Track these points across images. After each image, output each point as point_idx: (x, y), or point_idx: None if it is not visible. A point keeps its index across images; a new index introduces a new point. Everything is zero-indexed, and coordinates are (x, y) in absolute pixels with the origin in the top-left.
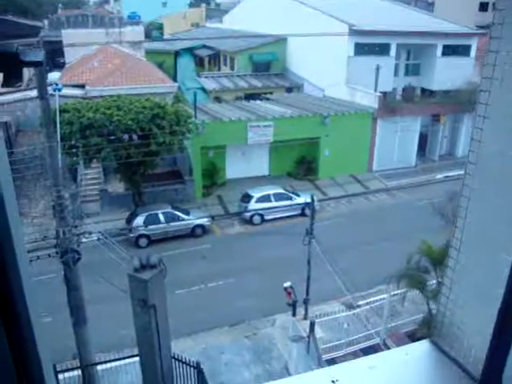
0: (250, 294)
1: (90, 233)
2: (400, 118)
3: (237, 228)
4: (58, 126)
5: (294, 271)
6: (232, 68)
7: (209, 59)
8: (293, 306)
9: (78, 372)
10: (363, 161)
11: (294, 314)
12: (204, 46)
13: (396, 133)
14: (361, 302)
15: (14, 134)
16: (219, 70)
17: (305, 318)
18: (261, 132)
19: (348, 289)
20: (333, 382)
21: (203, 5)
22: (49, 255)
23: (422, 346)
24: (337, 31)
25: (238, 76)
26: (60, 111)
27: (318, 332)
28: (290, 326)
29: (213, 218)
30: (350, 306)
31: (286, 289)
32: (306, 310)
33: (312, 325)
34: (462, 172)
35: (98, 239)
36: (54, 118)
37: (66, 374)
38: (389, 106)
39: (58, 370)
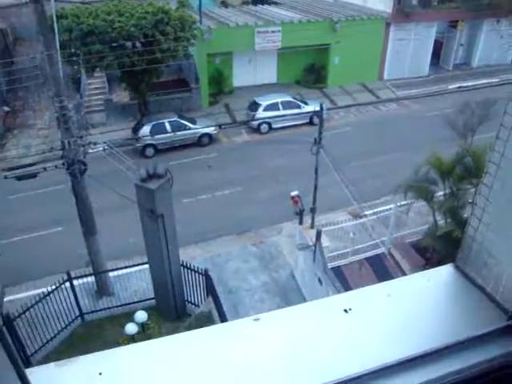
0: (257, 202)
1: (96, 143)
2: (415, 24)
3: (244, 137)
4: (57, 33)
5: (302, 180)
6: None
7: None
8: (300, 214)
9: (91, 278)
10: (374, 69)
11: (300, 223)
12: None
13: (409, 40)
14: (367, 212)
15: (12, 43)
16: None
17: (311, 226)
18: (269, 38)
19: (355, 198)
20: (345, 310)
21: None
22: (56, 167)
23: (446, 272)
24: None
25: None
26: (57, 17)
27: (325, 241)
28: (297, 234)
29: (220, 126)
30: (356, 216)
31: (293, 197)
32: (313, 218)
33: (318, 233)
34: (476, 83)
35: (104, 150)
36: (52, 24)
37: (81, 281)
38: (403, 10)
39: (73, 276)
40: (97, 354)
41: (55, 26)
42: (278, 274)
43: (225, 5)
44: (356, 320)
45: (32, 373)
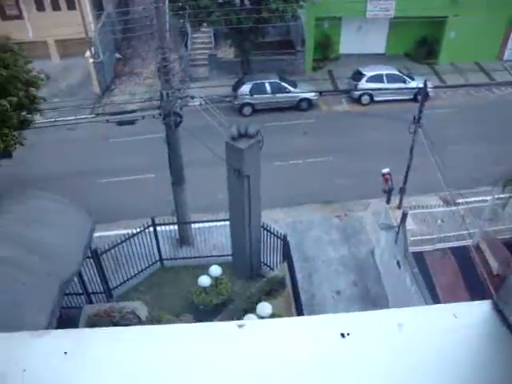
0: (346, 174)
1: (193, 97)
2: None
3: (344, 106)
4: None
5: (395, 158)
6: None
7: None
8: (388, 193)
9: (174, 227)
10: (494, 47)
11: (388, 202)
12: None
13: None
14: (460, 200)
15: None
16: None
17: (398, 207)
18: (381, 5)
19: (448, 184)
20: (342, 335)
21: None
22: (153, 116)
23: (481, 309)
24: None
25: None
26: None
27: (410, 223)
28: (383, 213)
29: (320, 93)
30: (447, 202)
31: (383, 174)
32: (401, 199)
33: (404, 215)
34: None
35: (200, 104)
36: None
37: (164, 227)
38: None
39: (157, 222)
40: (71, 330)
41: None
42: (358, 250)
43: None
44: (353, 348)
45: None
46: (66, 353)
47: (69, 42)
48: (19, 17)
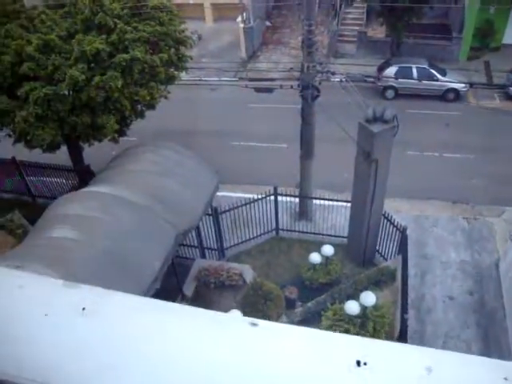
0: (484, 175)
1: (334, 73)
2: None
3: (496, 102)
4: None
5: None
6: None
7: None
8: None
9: (295, 200)
10: None
11: None
12: None
13: None
14: None
15: None
16: None
17: None
18: None
19: None
20: (358, 362)
21: None
22: (291, 87)
23: None
24: None
25: None
26: None
27: None
28: None
29: (471, 84)
30: None
31: None
32: None
33: None
34: None
35: (341, 81)
36: None
37: (285, 198)
38: None
39: (279, 192)
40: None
41: None
42: (481, 258)
43: None
44: (366, 380)
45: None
46: (84, 309)
47: (223, 6)
48: None
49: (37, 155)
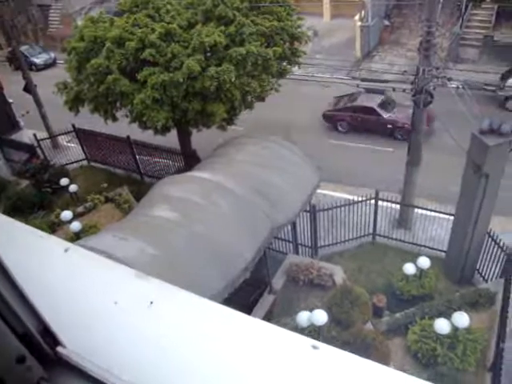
0: None
1: (450, 79)
2: None
3: None
4: None
5: None
6: None
7: None
8: None
9: (396, 206)
10: None
11: None
12: None
13: None
14: None
15: None
16: None
17: None
18: None
19: None
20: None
21: None
22: (404, 90)
23: None
24: None
25: None
26: None
27: None
28: None
29: None
30: None
31: None
32: None
33: None
34: None
35: (457, 88)
36: None
37: (386, 204)
38: None
39: (380, 197)
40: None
41: None
42: None
43: None
44: None
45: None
46: (151, 302)
47: (342, 2)
48: None
49: (148, 136)
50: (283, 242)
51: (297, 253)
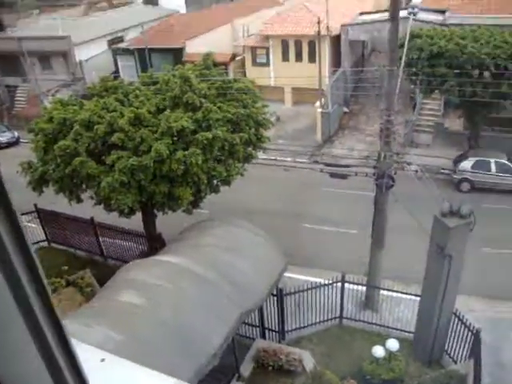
0: None
1: (410, 164)
2: None
3: None
4: (405, 50)
5: None
6: None
7: None
8: None
9: (362, 288)
10: None
11: None
12: None
13: None
14: None
15: (369, 54)
16: None
17: None
18: None
19: None
20: None
21: None
22: (366, 175)
23: None
24: None
25: None
26: (413, 36)
27: None
28: None
29: None
30: None
31: None
32: None
33: None
34: None
35: (416, 171)
36: (403, 42)
37: (352, 286)
38: None
39: (347, 279)
40: None
41: (405, 44)
42: None
43: None
44: None
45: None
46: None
47: (303, 90)
48: (266, 65)
49: (112, 218)
50: (250, 327)
51: (264, 337)
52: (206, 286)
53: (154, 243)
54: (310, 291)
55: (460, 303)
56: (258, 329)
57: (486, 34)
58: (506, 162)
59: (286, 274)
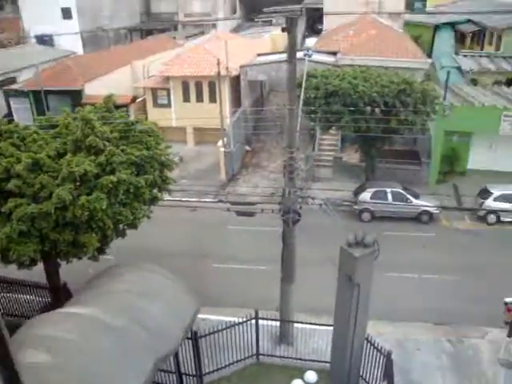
0: (464, 296)
1: (314, 198)
2: None
3: (467, 223)
4: (303, 89)
5: None
6: (497, 48)
7: (471, 36)
8: (510, 325)
9: (276, 323)
10: None
11: (509, 335)
12: (469, 21)
13: None
14: None
15: (267, 93)
16: (482, 49)
17: None
18: None
19: None
20: None
21: None
22: (272, 211)
23: None
24: None
25: (502, 57)
26: (309, 76)
27: None
28: (503, 346)
29: (443, 207)
30: None
31: (506, 304)
32: None
33: None
34: None
35: (321, 205)
36: (301, 82)
37: (266, 322)
38: None
39: (260, 316)
40: None
41: (303, 83)
42: (470, 383)
43: (474, 83)
44: None
45: None
46: None
47: (205, 130)
48: (167, 106)
49: (9, 270)
50: (167, 374)
51: (182, 383)
52: (119, 334)
53: (59, 294)
54: (224, 331)
55: (370, 328)
56: (174, 375)
57: (374, 75)
58: (401, 191)
59: (200, 316)
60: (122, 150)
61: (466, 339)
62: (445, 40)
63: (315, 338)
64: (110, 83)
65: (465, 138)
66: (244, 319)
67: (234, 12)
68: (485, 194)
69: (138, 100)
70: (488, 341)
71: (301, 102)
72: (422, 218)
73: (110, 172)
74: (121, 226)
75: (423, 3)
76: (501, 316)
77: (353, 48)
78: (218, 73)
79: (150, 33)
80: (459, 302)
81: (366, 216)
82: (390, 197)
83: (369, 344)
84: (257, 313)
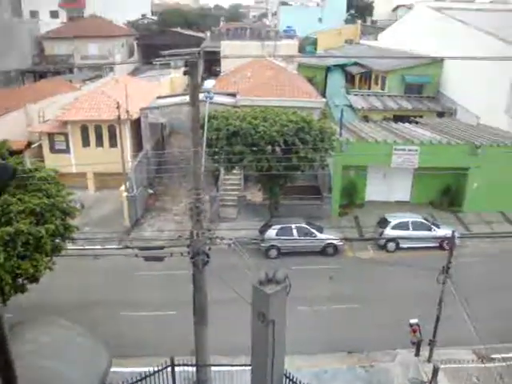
0: (372, 322)
1: (222, 238)
2: None
3: (370, 253)
4: (206, 131)
5: (423, 308)
6: (383, 88)
7: (360, 77)
8: (417, 345)
9: (193, 369)
10: None
11: (417, 354)
12: (356, 64)
13: None
14: (496, 356)
15: (168, 135)
16: (369, 88)
17: (428, 360)
18: (406, 156)
19: (482, 338)
20: None
21: (359, 22)
22: (181, 254)
23: None
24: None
25: (388, 96)
26: (209, 117)
27: (442, 380)
28: (411, 366)
29: (346, 239)
30: (482, 358)
31: (411, 325)
32: (431, 352)
33: (435, 370)
34: None
35: (229, 245)
36: (203, 124)
37: (182, 368)
38: None
39: (176, 363)
40: None
41: (205, 125)
42: None
43: (366, 119)
44: None
45: None
46: None
47: (106, 175)
48: (66, 151)
49: None
50: None
51: None
52: None
53: None
54: (139, 383)
55: (287, 363)
56: None
57: (273, 114)
58: (306, 226)
59: (112, 369)
60: (20, 199)
61: (377, 364)
62: (336, 80)
63: (234, 379)
64: (2, 128)
65: (361, 171)
66: (159, 368)
67: (132, 55)
68: (383, 223)
69: (33, 146)
70: (398, 362)
71: (204, 144)
72: (327, 251)
73: (7, 223)
74: (20, 280)
75: (314, 47)
76: (408, 337)
77: (251, 89)
78: (118, 116)
79: (44, 75)
80: (369, 329)
81: (272, 253)
82: (295, 232)
83: (287, 380)
84: (172, 360)
